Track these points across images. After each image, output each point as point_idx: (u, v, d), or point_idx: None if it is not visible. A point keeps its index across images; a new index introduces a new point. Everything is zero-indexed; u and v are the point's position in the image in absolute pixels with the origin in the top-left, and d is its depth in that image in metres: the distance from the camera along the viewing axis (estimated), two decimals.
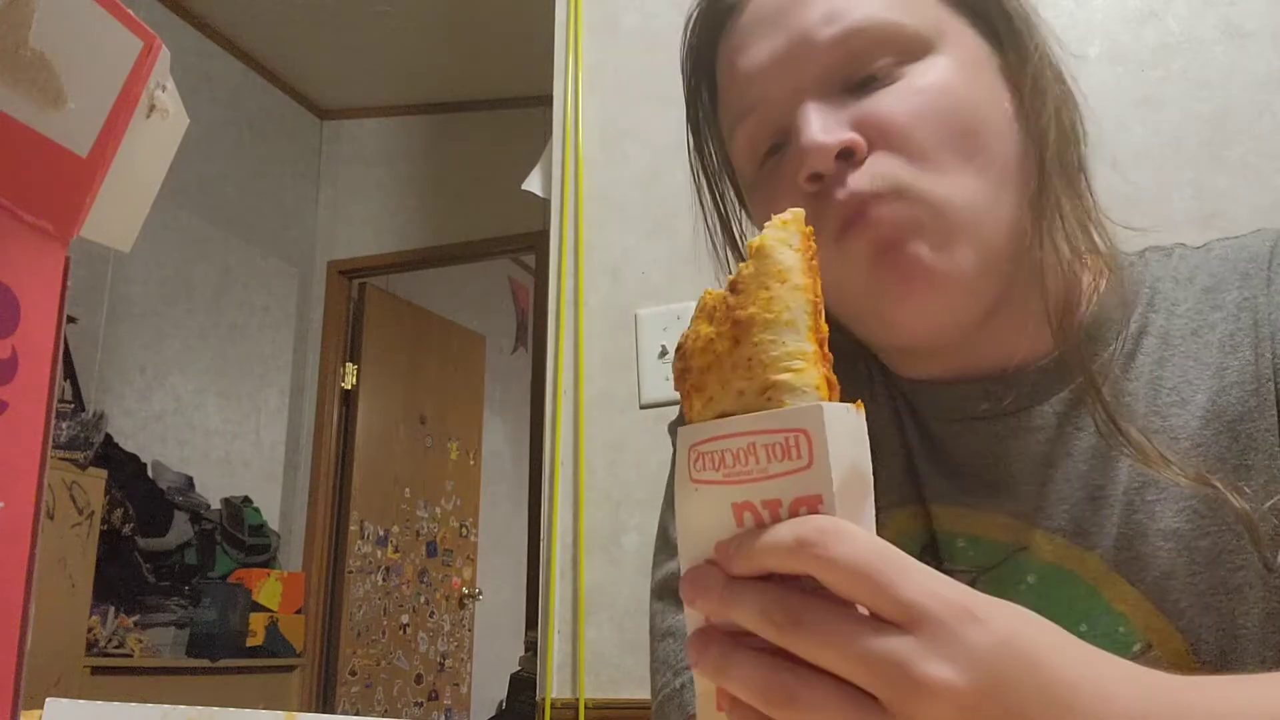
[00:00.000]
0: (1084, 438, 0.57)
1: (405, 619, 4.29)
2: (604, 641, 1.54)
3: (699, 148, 0.69)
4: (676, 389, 0.39)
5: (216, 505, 3.45)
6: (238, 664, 3.09)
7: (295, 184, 4.24)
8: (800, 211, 0.38)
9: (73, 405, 2.82)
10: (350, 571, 4.01)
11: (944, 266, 0.53)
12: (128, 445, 3.18)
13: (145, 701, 0.51)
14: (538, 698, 1.56)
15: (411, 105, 4.31)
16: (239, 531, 3.41)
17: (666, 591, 0.67)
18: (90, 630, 2.65)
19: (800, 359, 0.35)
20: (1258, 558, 0.52)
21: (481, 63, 3.93)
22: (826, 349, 0.37)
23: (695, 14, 0.65)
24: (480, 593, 4.79)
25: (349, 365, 4.19)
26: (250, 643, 3.18)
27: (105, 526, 2.76)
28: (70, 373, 2.93)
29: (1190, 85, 1.41)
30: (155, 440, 3.36)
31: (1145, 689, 0.35)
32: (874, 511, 0.36)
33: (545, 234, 1.80)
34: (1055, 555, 0.57)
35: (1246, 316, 0.56)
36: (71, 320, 2.89)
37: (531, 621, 3.57)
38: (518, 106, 4.03)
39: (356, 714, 3.82)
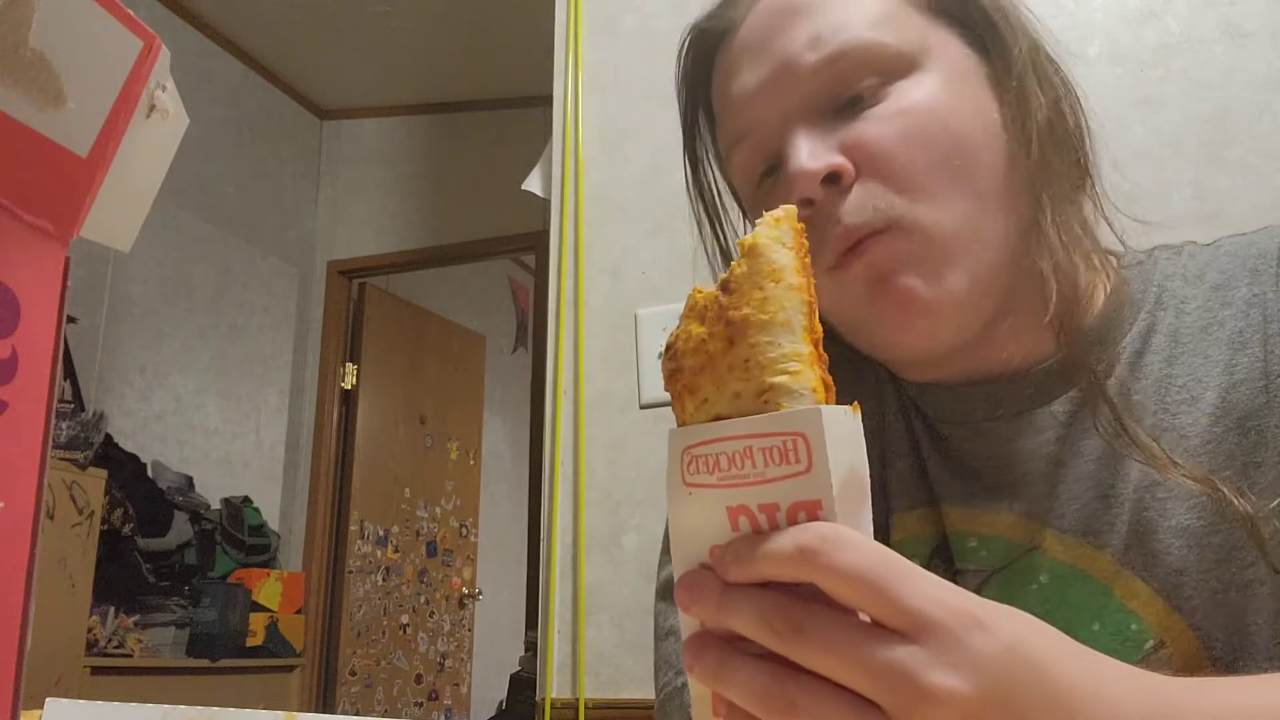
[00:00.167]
0: (1093, 436, 0.57)
1: (405, 619, 4.29)
2: (604, 641, 1.54)
3: (697, 182, 0.70)
4: (667, 389, 0.38)
5: (216, 505, 3.45)
6: (238, 664, 3.09)
7: (295, 184, 4.24)
8: (792, 208, 0.37)
9: (73, 405, 2.82)
10: (350, 571, 4.01)
11: (938, 295, 0.54)
12: (128, 445, 3.19)
13: (145, 701, 0.51)
14: (538, 698, 1.56)
15: (411, 105, 4.31)
16: (239, 531, 3.41)
17: (669, 592, 0.68)
18: (90, 630, 2.65)
19: (796, 361, 0.35)
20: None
21: (481, 63, 3.93)
22: (821, 349, 0.36)
23: (686, 42, 0.67)
24: (480, 593, 4.79)
25: (349, 365, 4.19)
26: (250, 643, 3.18)
27: (105, 526, 2.76)
28: (70, 373, 2.93)
29: (1190, 85, 1.41)
30: (155, 440, 3.36)
31: (1146, 691, 0.35)
32: (871, 514, 0.36)
33: (545, 234, 1.80)
34: (1067, 554, 0.57)
35: (1256, 313, 0.56)
36: (71, 320, 2.89)
37: (531, 621, 3.57)
38: (518, 106, 4.03)
39: (356, 714, 3.82)
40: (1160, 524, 0.54)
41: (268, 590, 3.33)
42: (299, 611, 3.45)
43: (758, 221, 0.37)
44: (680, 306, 0.38)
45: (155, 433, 3.37)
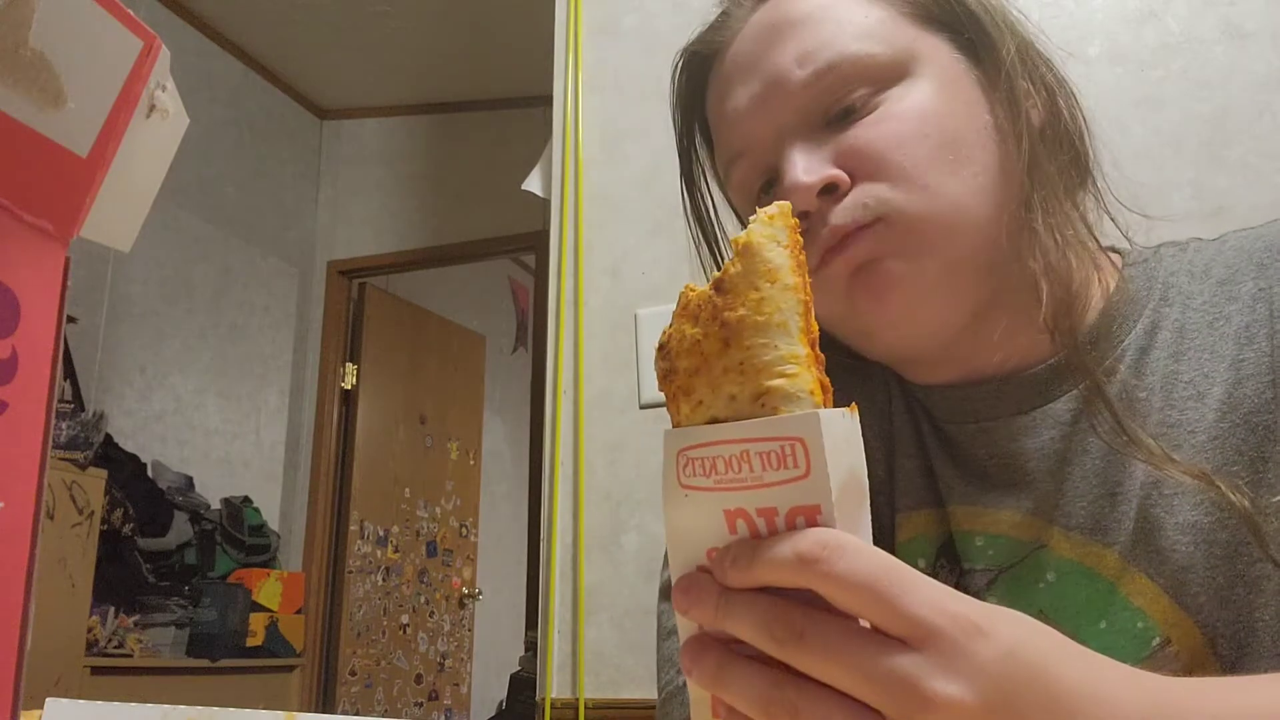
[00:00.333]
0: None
1: (405, 619, 4.29)
2: (604, 641, 1.54)
3: (694, 206, 0.71)
4: (661, 389, 0.38)
5: (216, 505, 3.46)
6: (238, 664, 3.09)
7: (295, 184, 4.24)
8: (786, 205, 0.37)
9: (73, 405, 2.82)
10: (350, 571, 4.01)
11: (913, 273, 0.55)
12: (128, 445, 3.19)
13: (145, 701, 0.51)
14: (538, 698, 1.56)
15: (411, 105, 4.31)
16: (239, 531, 3.41)
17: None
18: (90, 630, 2.65)
19: (793, 363, 0.34)
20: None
21: (481, 63, 3.93)
22: (818, 349, 0.36)
23: (679, 65, 0.67)
24: (480, 593, 4.79)
25: (349, 365, 4.19)
26: (250, 643, 3.18)
27: (105, 526, 2.77)
28: (70, 373, 2.93)
29: (1190, 85, 1.41)
30: (155, 440, 3.36)
31: (1147, 692, 0.35)
32: (870, 515, 0.35)
33: (545, 234, 1.80)
34: (1074, 552, 0.57)
35: (1262, 308, 0.56)
36: (71, 320, 2.89)
37: (531, 621, 3.57)
38: (518, 106, 4.03)
39: (356, 714, 3.82)
40: (1167, 520, 0.54)
41: (268, 590, 3.33)
42: (299, 611, 3.45)
43: (751, 219, 0.36)
44: None
45: (155, 433, 3.37)
